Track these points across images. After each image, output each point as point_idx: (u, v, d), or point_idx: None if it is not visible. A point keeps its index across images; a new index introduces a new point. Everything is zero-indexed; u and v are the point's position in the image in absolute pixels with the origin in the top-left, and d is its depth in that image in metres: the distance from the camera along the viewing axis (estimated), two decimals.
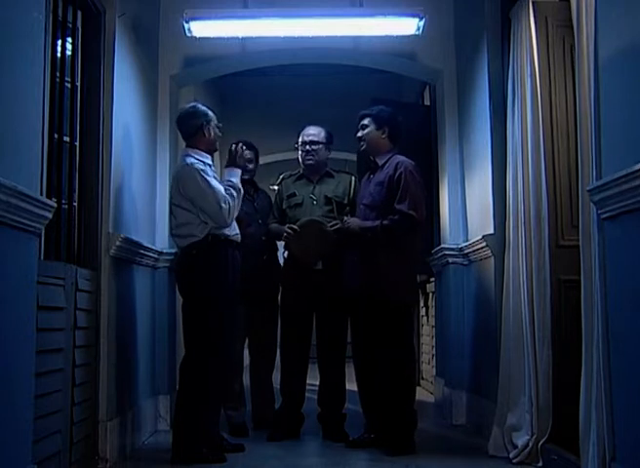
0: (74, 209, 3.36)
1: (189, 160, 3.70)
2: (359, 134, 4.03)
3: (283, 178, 4.45)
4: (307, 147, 4.29)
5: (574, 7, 3.01)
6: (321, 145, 4.30)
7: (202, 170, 3.65)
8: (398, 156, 3.96)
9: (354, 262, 3.94)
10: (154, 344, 4.43)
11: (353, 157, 6.64)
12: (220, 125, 3.86)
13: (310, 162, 4.30)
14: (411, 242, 3.90)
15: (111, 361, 3.52)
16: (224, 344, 3.64)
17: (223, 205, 3.61)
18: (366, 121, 4.01)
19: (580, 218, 2.87)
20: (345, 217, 4.03)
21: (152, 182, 4.54)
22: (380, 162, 3.98)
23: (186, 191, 3.64)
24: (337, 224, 4.05)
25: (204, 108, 3.83)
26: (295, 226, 4.12)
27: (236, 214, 3.75)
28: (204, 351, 3.59)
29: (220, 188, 3.66)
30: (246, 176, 4.30)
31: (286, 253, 4.33)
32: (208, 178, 3.64)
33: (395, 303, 3.82)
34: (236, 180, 3.78)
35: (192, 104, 3.92)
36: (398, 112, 4.11)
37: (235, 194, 3.71)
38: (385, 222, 3.81)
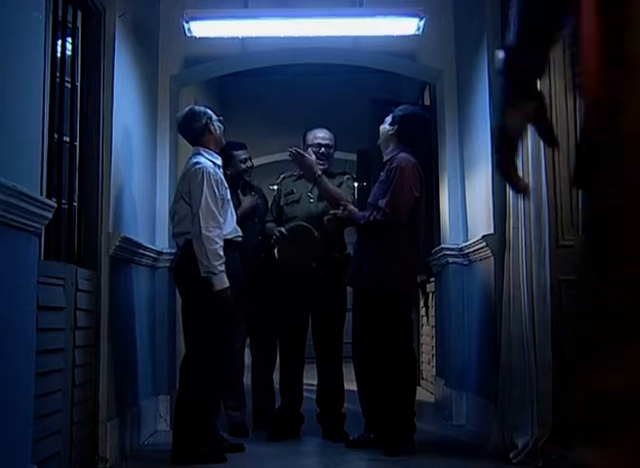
0: (74, 209, 3.36)
1: (200, 159, 3.67)
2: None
3: (283, 178, 4.45)
4: (323, 150, 4.24)
5: None
6: (332, 149, 4.31)
7: (214, 179, 3.59)
8: (401, 153, 3.91)
9: (362, 257, 3.93)
10: (154, 344, 4.43)
11: (353, 157, 6.66)
12: (221, 118, 3.84)
13: (324, 166, 4.22)
14: (407, 244, 3.87)
15: (111, 361, 3.52)
16: (224, 344, 3.64)
17: (205, 231, 3.48)
18: (388, 116, 4.00)
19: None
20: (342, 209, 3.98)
21: (152, 182, 4.54)
22: (385, 158, 3.98)
23: (189, 189, 3.60)
24: (336, 214, 3.95)
25: (201, 108, 3.82)
26: (283, 230, 4.11)
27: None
28: (203, 350, 3.59)
29: (217, 214, 3.53)
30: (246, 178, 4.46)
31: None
32: (209, 194, 3.54)
33: (396, 305, 3.81)
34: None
35: (189, 108, 3.86)
36: (422, 115, 4.08)
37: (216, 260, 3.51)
38: (371, 218, 3.83)
